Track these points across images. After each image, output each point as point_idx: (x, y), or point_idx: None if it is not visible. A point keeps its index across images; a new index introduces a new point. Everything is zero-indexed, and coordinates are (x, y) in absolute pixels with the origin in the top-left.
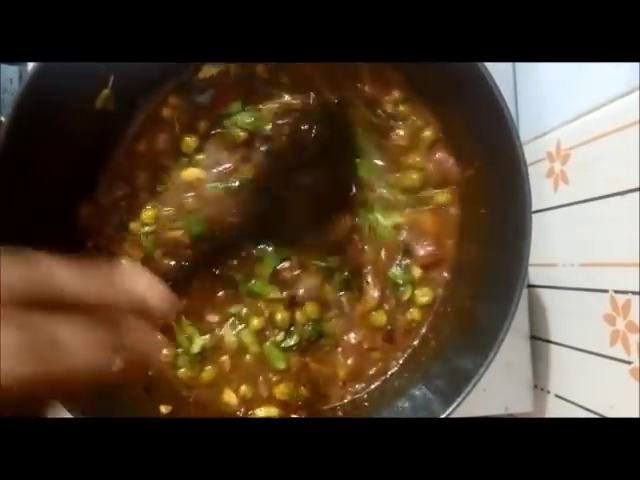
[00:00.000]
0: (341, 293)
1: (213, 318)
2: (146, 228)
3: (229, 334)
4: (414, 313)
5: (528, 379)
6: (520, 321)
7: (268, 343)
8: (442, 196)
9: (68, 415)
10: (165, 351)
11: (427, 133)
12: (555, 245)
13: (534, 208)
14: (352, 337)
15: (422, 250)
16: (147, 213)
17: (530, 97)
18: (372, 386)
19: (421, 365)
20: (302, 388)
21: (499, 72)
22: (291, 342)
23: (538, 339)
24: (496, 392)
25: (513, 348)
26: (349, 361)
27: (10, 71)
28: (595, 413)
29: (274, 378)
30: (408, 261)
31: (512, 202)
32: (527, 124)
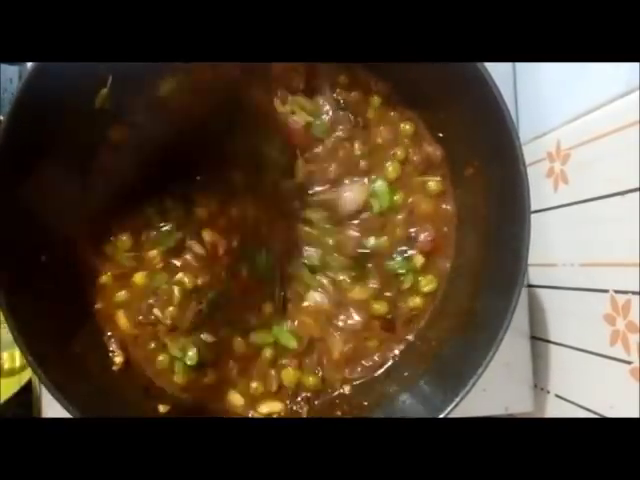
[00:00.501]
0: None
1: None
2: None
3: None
4: (417, 300)
5: (528, 379)
6: (520, 321)
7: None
8: (434, 184)
9: (68, 415)
10: (160, 357)
11: (407, 127)
12: (555, 245)
13: (534, 208)
14: (351, 320)
15: (422, 235)
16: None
17: (530, 97)
18: (370, 376)
19: (421, 364)
20: (310, 378)
21: (499, 72)
22: None
23: (538, 339)
24: (496, 392)
25: (513, 348)
26: (347, 346)
27: (10, 71)
28: (595, 413)
29: (283, 361)
30: (412, 251)
31: (511, 202)
32: (527, 124)
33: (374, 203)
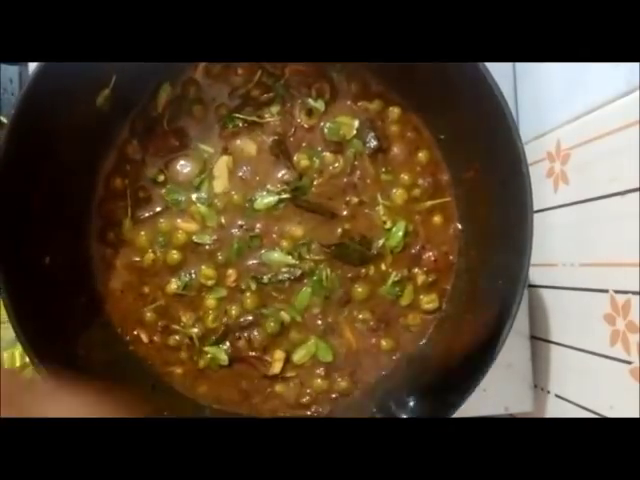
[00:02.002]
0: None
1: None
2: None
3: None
4: (416, 319)
5: (528, 379)
6: (520, 321)
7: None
8: (438, 219)
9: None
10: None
11: (421, 154)
12: (555, 245)
13: (534, 208)
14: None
15: (426, 255)
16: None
17: (530, 97)
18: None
19: (421, 364)
20: (342, 383)
21: (499, 72)
22: None
23: (538, 339)
24: (496, 392)
25: (513, 348)
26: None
27: (10, 71)
28: (595, 413)
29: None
30: (415, 270)
31: (513, 202)
32: (527, 124)
33: (388, 240)
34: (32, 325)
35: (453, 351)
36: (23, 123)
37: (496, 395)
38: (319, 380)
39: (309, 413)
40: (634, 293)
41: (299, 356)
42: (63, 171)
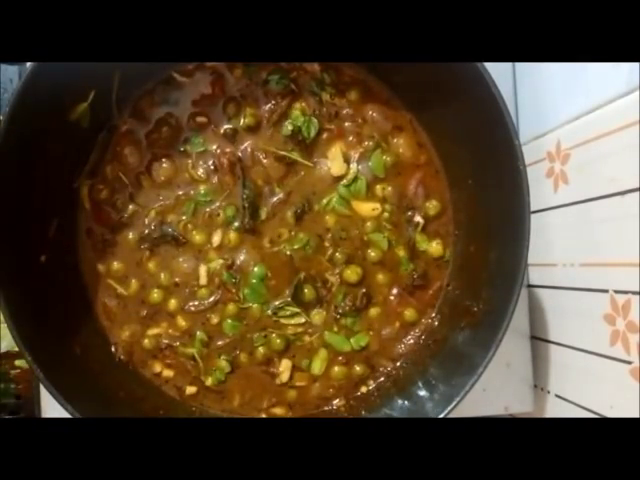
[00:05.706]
0: None
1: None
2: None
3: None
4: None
5: (528, 379)
6: (520, 321)
7: (327, 334)
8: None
9: (68, 415)
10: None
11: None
12: (555, 245)
13: (534, 208)
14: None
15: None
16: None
17: (530, 97)
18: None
19: (420, 364)
20: (356, 367)
21: (499, 72)
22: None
23: (538, 339)
24: (496, 392)
25: (513, 348)
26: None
27: (10, 71)
28: (595, 413)
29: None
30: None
31: (511, 201)
32: (527, 124)
33: None
34: (28, 324)
35: (445, 347)
36: (18, 122)
37: (496, 395)
38: (336, 368)
39: (336, 401)
40: (634, 293)
41: (318, 367)
42: (58, 169)
